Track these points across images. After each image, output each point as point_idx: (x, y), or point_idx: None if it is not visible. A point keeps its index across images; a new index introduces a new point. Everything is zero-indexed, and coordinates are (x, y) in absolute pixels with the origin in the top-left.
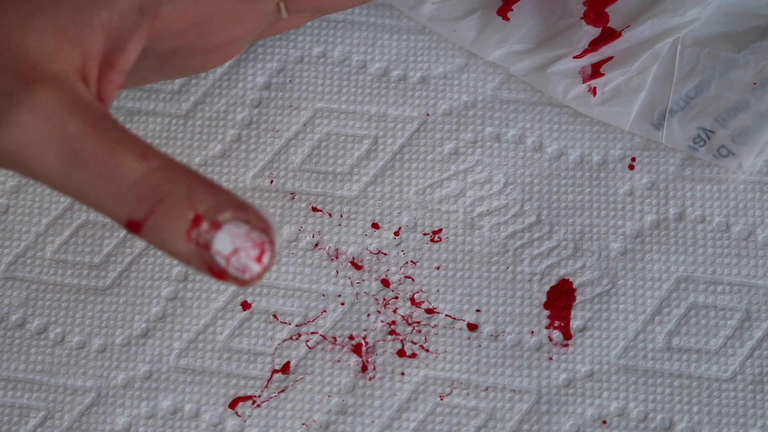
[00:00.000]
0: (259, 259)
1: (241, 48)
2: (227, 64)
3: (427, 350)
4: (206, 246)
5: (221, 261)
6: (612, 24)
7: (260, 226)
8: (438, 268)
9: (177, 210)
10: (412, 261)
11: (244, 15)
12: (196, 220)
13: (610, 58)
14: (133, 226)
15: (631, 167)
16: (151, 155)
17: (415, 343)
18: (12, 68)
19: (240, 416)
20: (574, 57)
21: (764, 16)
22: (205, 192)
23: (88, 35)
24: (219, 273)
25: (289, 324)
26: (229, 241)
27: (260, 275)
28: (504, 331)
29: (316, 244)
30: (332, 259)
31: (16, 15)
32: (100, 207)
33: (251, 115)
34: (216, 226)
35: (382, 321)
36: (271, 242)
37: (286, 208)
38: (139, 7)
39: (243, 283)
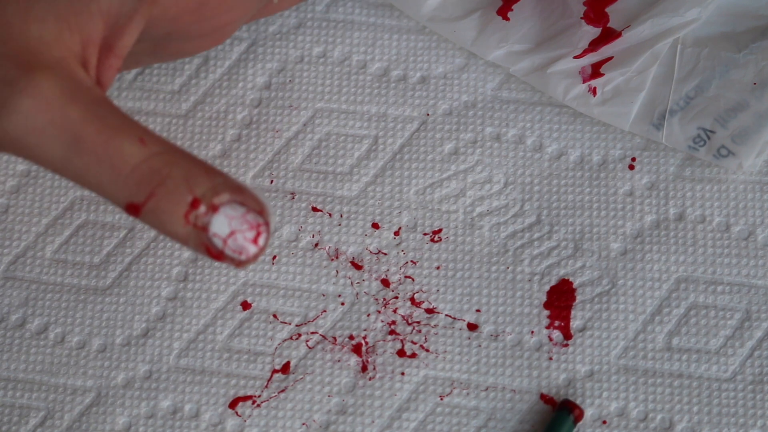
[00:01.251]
0: (255, 241)
1: (233, 32)
2: (227, 64)
3: (427, 350)
4: (204, 228)
5: (218, 243)
6: (612, 24)
7: (256, 208)
8: (438, 268)
9: (175, 193)
10: (412, 261)
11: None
12: (194, 203)
13: (610, 58)
14: (133, 209)
15: (631, 167)
16: (150, 140)
17: (415, 343)
18: (13, 56)
19: (240, 416)
20: (574, 57)
21: (764, 16)
22: (202, 175)
23: (88, 22)
24: (216, 254)
25: (289, 324)
26: (226, 224)
27: (256, 256)
28: (504, 331)
29: (316, 244)
30: (332, 259)
31: (17, 3)
32: (101, 191)
33: (251, 115)
34: (213, 208)
35: (382, 321)
36: (267, 224)
37: (286, 208)
38: None
39: (239, 263)
